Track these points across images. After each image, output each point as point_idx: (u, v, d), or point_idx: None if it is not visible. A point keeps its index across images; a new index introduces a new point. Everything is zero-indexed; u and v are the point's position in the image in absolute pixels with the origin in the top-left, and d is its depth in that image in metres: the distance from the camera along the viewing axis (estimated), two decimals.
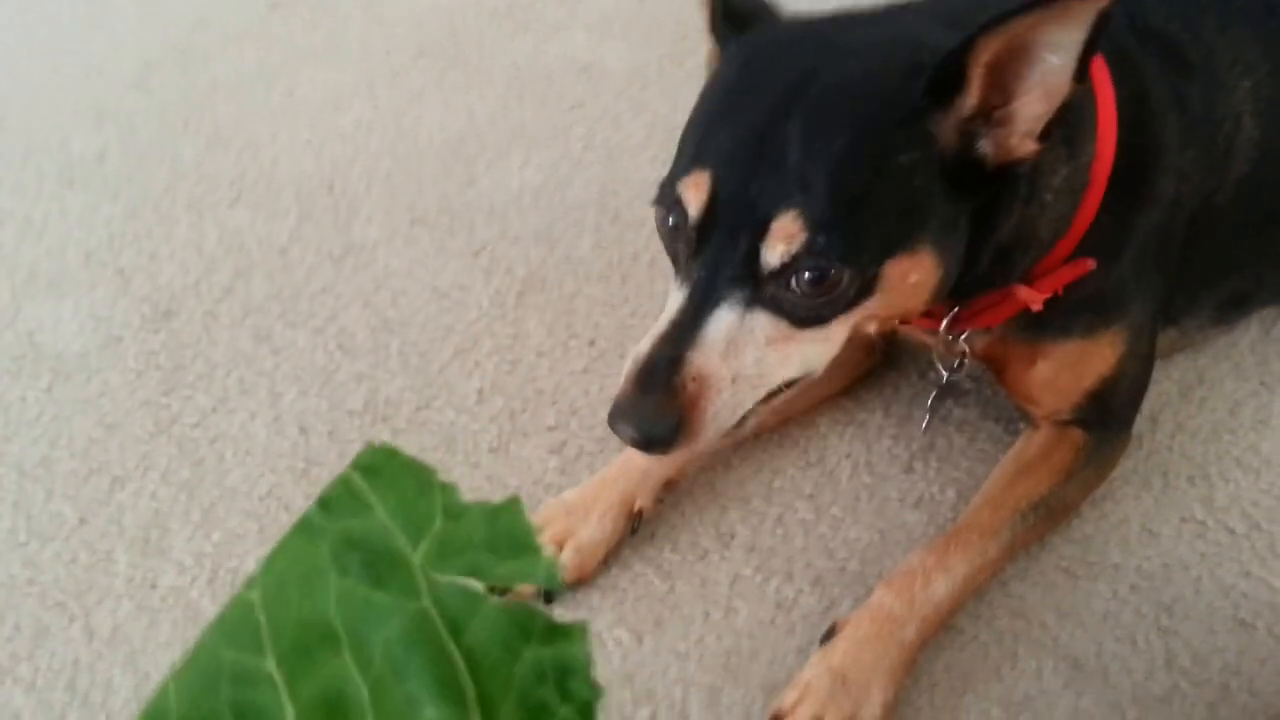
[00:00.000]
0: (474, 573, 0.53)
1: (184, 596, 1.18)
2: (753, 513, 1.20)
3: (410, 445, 1.28)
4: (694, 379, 0.90)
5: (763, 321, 0.91)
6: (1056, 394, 1.12)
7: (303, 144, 1.75)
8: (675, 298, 0.93)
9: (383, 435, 1.30)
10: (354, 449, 1.30)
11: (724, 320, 0.90)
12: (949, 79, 0.87)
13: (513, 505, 0.54)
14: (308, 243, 1.57)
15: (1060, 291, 1.03)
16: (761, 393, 0.95)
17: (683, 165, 0.93)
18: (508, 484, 1.24)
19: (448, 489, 0.54)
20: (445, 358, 1.39)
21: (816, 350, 0.95)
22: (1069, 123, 0.92)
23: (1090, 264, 1.02)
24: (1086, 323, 1.09)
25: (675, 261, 0.96)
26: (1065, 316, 1.07)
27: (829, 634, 1.06)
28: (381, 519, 0.53)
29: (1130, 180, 1.02)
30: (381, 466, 0.54)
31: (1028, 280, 1.03)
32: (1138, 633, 1.06)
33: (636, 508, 1.16)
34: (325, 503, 0.53)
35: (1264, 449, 1.19)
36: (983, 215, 0.95)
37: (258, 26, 2.04)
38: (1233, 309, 1.27)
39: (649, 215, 1.58)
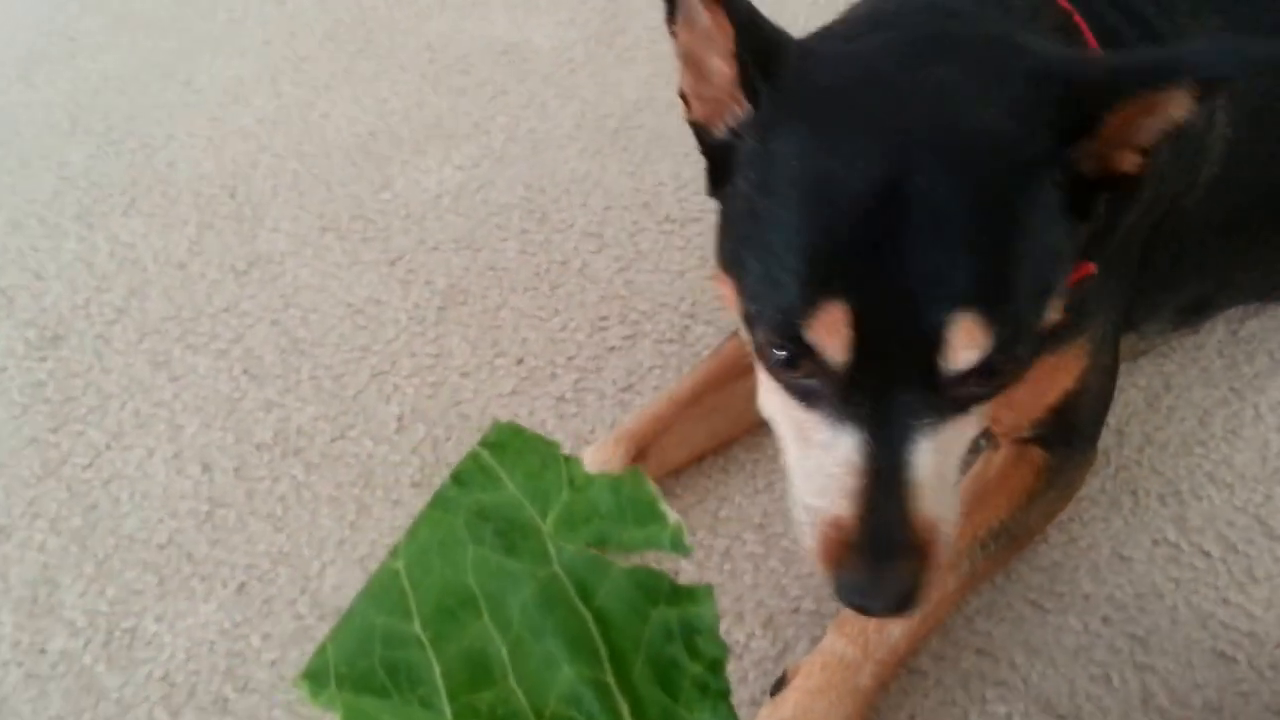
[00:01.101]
0: (601, 541, 0.58)
1: (76, 662, 1.06)
2: (697, 545, 1.11)
3: (325, 481, 1.18)
4: (927, 530, 0.79)
5: (949, 435, 0.80)
6: (1016, 410, 1.04)
7: (202, 143, 1.61)
8: (845, 441, 0.79)
9: (294, 470, 1.19)
10: (264, 487, 1.20)
11: (927, 454, 0.79)
12: (1083, 121, 0.76)
13: (635, 476, 0.59)
14: (209, 255, 1.44)
15: None
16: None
17: (796, 294, 0.75)
18: None
19: (572, 461, 0.59)
20: (361, 381, 1.28)
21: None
22: None
23: (1091, 268, 0.92)
24: (1051, 334, 1.01)
25: (802, 393, 0.81)
26: None
27: (779, 684, 0.98)
28: (511, 492, 0.58)
29: None
30: (507, 442, 0.59)
31: None
32: (1112, 670, 0.99)
33: None
34: (458, 478, 0.59)
35: (1237, 462, 1.13)
36: None
37: (151, 10, 1.89)
38: (1193, 314, 1.20)
39: (578, 216, 1.50)
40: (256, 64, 1.76)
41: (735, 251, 0.83)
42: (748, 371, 0.92)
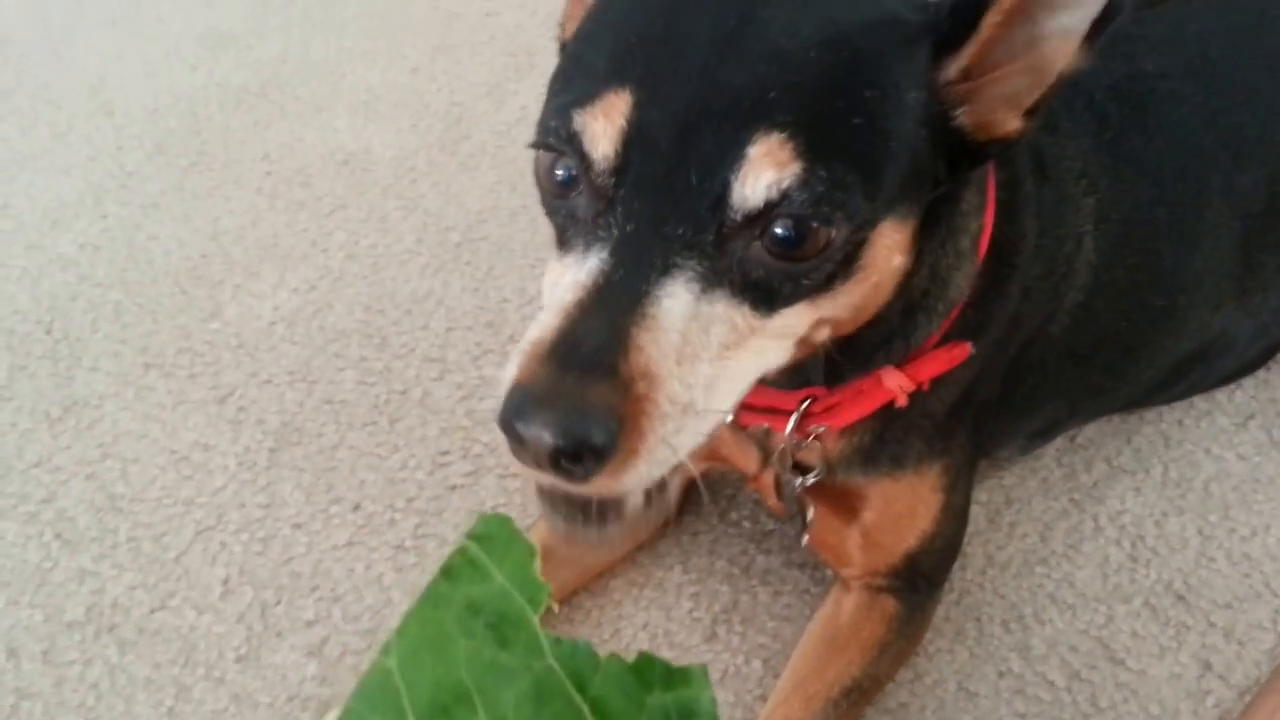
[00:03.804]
0: None
1: None
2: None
3: (141, 662, 1.10)
4: (643, 375, 0.63)
5: (721, 309, 0.67)
6: (875, 552, 1.01)
7: (17, 274, 1.52)
8: (587, 262, 0.66)
9: (108, 651, 1.11)
10: (74, 673, 1.11)
11: (679, 298, 0.65)
12: (958, 24, 0.70)
13: None
14: (20, 402, 1.35)
15: (925, 385, 0.88)
16: (709, 429, 0.69)
17: (583, 87, 0.67)
18: (258, 702, 1.06)
19: None
20: (185, 541, 1.20)
21: (763, 359, 0.72)
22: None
23: (967, 348, 0.87)
24: (918, 452, 0.96)
25: (567, 224, 0.70)
26: (900, 441, 0.95)
27: None
28: (500, 583, 0.58)
29: (994, 273, 0.90)
30: (495, 533, 0.59)
31: (900, 363, 0.87)
32: None
33: None
34: (447, 572, 0.58)
35: (1078, 580, 1.12)
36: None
37: None
38: (1041, 438, 1.19)
39: (420, 340, 1.44)
40: (80, 182, 1.67)
41: (550, 85, 0.76)
42: None
